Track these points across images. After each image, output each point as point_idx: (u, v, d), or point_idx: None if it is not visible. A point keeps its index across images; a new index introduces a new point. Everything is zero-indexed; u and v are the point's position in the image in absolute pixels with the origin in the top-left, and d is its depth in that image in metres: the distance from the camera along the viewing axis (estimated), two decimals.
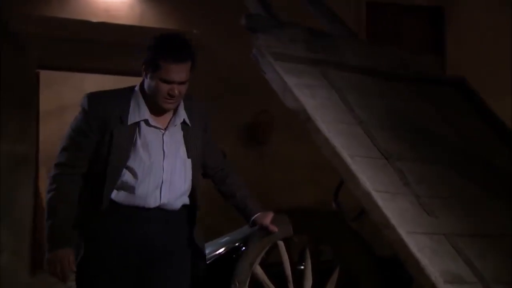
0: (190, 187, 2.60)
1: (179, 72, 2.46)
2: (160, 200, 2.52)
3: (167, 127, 2.55)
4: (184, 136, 2.57)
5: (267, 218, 2.77)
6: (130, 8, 5.49)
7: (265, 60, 3.31)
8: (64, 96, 6.51)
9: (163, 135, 2.52)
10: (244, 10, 3.49)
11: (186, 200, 2.60)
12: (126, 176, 2.48)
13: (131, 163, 2.48)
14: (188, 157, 2.56)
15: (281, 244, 3.03)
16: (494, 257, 2.99)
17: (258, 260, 2.97)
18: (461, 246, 2.96)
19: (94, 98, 2.54)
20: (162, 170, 2.51)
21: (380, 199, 2.94)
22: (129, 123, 2.50)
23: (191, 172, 2.57)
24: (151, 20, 5.48)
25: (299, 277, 3.07)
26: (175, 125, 2.56)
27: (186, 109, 2.60)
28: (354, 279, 3.09)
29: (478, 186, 3.37)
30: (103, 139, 2.50)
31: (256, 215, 2.77)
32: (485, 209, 3.27)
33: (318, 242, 3.15)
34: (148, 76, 2.50)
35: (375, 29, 5.56)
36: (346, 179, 3.00)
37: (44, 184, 3.93)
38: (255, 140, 5.45)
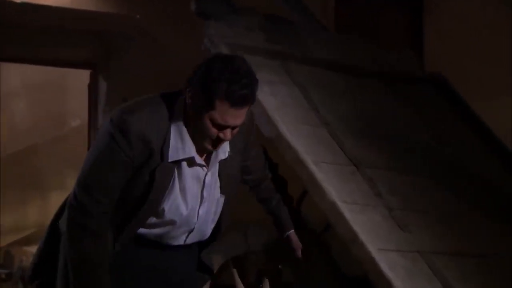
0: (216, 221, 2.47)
1: (237, 116, 2.21)
2: (184, 243, 2.41)
3: (210, 161, 2.32)
4: (220, 169, 2.36)
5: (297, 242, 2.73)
6: None
7: (218, 51, 3.35)
8: None
9: (205, 175, 2.32)
10: None
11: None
12: (154, 220, 2.34)
13: (165, 211, 2.30)
14: (221, 194, 2.39)
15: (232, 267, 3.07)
16: (476, 280, 3.09)
17: None
18: (438, 266, 3.05)
19: (135, 124, 2.21)
20: (197, 217, 2.35)
21: (348, 211, 3.02)
22: (170, 160, 2.26)
23: (221, 210, 2.43)
24: (84, 2, 5.47)
25: None
26: (218, 162, 2.35)
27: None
28: None
29: (458, 199, 3.48)
30: (138, 178, 2.26)
31: (289, 232, 2.72)
32: (467, 225, 3.38)
33: (277, 261, 3.21)
34: (195, 107, 2.22)
35: (345, 21, 5.64)
36: (310, 189, 3.07)
37: None
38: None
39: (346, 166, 3.28)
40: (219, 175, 2.37)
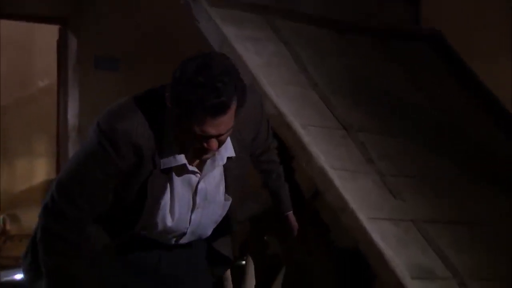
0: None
1: (218, 125, 2.14)
2: (175, 243, 2.38)
3: (204, 167, 2.28)
4: (225, 171, 2.32)
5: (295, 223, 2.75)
6: None
7: (198, 6, 3.34)
8: None
9: (198, 182, 2.29)
10: None
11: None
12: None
13: (152, 219, 2.28)
14: (228, 197, 2.35)
15: None
16: (470, 249, 3.15)
17: None
18: (432, 235, 3.10)
19: (124, 132, 2.18)
20: (188, 223, 2.33)
21: (338, 178, 3.05)
22: (162, 167, 2.24)
23: (226, 213, 2.39)
24: None
25: (240, 274, 3.16)
26: (217, 166, 2.30)
27: (233, 134, 2.27)
28: (306, 277, 3.20)
29: (453, 165, 3.52)
30: (128, 188, 2.24)
31: (288, 213, 2.73)
32: (462, 192, 3.42)
33: (262, 232, 3.24)
34: (173, 115, 2.18)
35: None
36: (297, 154, 3.09)
37: None
38: None
39: (336, 129, 3.31)
40: (226, 177, 2.33)
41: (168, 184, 2.26)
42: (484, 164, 3.60)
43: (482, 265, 3.11)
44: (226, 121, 2.15)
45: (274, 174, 2.58)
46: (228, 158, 2.31)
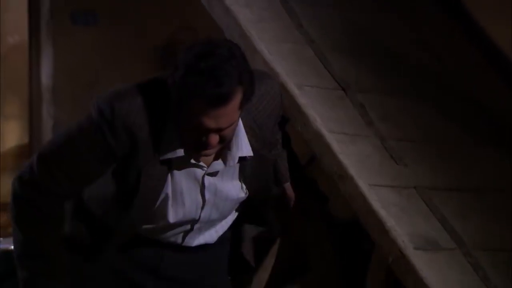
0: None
1: (219, 117, 2.12)
2: (182, 243, 2.37)
3: (212, 162, 2.26)
4: (241, 170, 2.31)
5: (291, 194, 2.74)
6: None
7: None
8: None
9: (203, 177, 2.27)
10: None
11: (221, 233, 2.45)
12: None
13: (151, 216, 2.29)
14: (245, 194, 2.34)
15: None
16: (477, 218, 3.17)
17: None
18: (436, 203, 3.11)
19: (123, 112, 2.17)
20: (198, 219, 2.32)
21: (335, 142, 3.06)
22: (161, 158, 2.22)
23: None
24: None
25: None
26: (228, 167, 2.27)
27: (252, 131, 2.26)
28: (302, 249, 3.22)
29: (459, 128, 3.53)
30: (123, 173, 2.22)
31: (285, 184, 2.72)
32: (468, 157, 3.43)
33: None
34: (175, 102, 2.17)
35: None
36: (292, 116, 3.09)
37: None
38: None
39: (334, 90, 3.31)
40: (243, 179, 2.31)
41: (169, 177, 2.24)
42: (492, 128, 3.61)
43: (489, 235, 3.14)
44: (227, 114, 2.11)
45: (274, 150, 2.51)
46: (242, 157, 2.27)
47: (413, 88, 3.59)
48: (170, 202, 2.27)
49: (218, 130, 2.13)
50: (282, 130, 2.68)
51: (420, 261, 2.84)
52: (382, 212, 2.93)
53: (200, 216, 2.32)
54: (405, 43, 3.80)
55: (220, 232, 2.42)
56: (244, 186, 2.34)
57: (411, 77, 3.64)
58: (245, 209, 2.43)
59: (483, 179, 3.37)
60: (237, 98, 2.12)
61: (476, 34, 4.02)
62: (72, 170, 2.23)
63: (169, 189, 2.26)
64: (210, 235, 2.40)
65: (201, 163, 2.26)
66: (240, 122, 2.24)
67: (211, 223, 2.37)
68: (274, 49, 3.24)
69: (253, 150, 2.28)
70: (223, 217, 2.38)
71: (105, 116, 2.19)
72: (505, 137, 3.59)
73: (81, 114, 5.23)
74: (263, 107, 2.29)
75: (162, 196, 2.26)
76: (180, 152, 2.22)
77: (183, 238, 2.37)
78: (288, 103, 3.09)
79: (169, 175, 2.25)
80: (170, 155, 2.22)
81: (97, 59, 5.15)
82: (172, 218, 2.29)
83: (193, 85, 2.09)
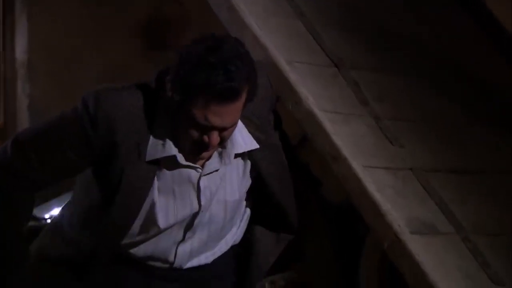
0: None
1: (224, 115, 2.12)
2: (174, 261, 2.33)
3: (205, 163, 2.24)
4: (254, 166, 2.28)
5: None
6: None
7: None
8: None
9: (199, 179, 2.25)
10: None
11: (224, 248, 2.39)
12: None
13: (138, 221, 2.24)
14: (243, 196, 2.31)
15: None
16: (476, 201, 3.22)
17: None
18: (433, 185, 3.15)
19: (108, 107, 2.18)
20: (189, 227, 2.28)
21: (328, 122, 3.09)
22: (147, 159, 2.21)
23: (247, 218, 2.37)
24: None
25: None
26: (224, 165, 2.25)
27: (250, 122, 2.26)
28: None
29: (456, 106, 3.56)
30: (106, 173, 2.22)
31: None
32: (467, 138, 3.48)
33: None
34: (173, 102, 2.16)
35: None
36: (282, 94, 3.11)
37: None
38: (158, 43, 5.44)
39: (326, 67, 3.33)
40: (259, 175, 2.28)
41: (156, 179, 2.22)
42: (493, 107, 3.64)
43: (488, 219, 3.19)
44: (233, 111, 2.12)
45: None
46: (249, 152, 2.25)
47: (411, 65, 3.62)
48: (158, 206, 2.26)
49: (222, 129, 2.14)
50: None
51: (417, 246, 2.89)
52: (377, 195, 2.96)
53: (194, 223, 2.29)
54: (402, 18, 3.81)
55: (218, 253, 2.37)
56: (247, 184, 2.31)
57: (408, 54, 3.66)
58: (260, 214, 2.39)
59: (483, 161, 3.41)
60: (244, 96, 2.12)
61: (476, 9, 4.03)
62: (46, 156, 2.24)
63: (155, 192, 2.24)
64: (206, 257, 2.36)
65: (194, 164, 2.23)
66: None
67: (206, 239, 2.33)
68: (263, 23, 3.26)
69: (259, 141, 2.28)
70: (221, 226, 2.33)
71: (88, 107, 2.20)
72: (506, 118, 3.61)
73: (58, 92, 5.23)
74: (260, 99, 2.26)
75: (148, 198, 2.24)
76: (169, 152, 2.21)
77: (175, 255, 2.33)
78: (278, 81, 3.11)
79: (156, 177, 2.23)
80: (158, 155, 2.21)
81: (75, 34, 5.14)
82: (162, 223, 2.27)
83: (202, 79, 2.08)
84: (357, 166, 3.00)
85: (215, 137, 2.14)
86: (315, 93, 3.15)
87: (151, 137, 2.20)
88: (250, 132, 2.27)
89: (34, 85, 5.25)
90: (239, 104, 2.12)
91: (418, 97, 3.50)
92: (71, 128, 2.22)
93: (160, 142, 2.21)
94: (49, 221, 3.21)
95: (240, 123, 2.24)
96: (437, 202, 3.09)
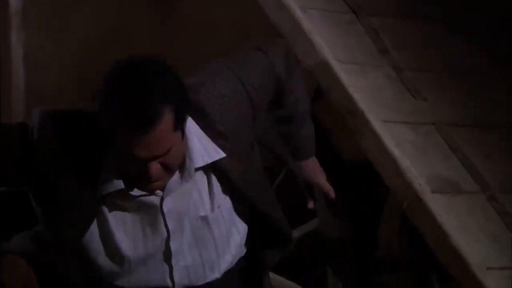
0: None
1: (148, 145, 2.08)
2: (174, 287, 2.34)
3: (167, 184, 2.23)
4: (222, 177, 2.28)
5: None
6: None
7: None
8: None
9: (161, 205, 2.25)
10: None
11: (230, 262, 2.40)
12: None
13: (99, 259, 2.27)
14: (217, 209, 2.31)
15: None
16: (502, 157, 3.21)
17: None
18: (457, 141, 3.16)
19: (49, 129, 2.22)
20: (170, 254, 2.29)
21: (344, 73, 3.09)
22: (100, 194, 2.22)
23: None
24: None
25: None
26: (189, 178, 2.24)
27: (211, 130, 2.25)
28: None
29: (486, 57, 3.55)
30: (48, 208, 2.25)
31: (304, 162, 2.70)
32: (494, 90, 3.46)
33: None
34: (106, 134, 2.16)
35: None
36: (295, 43, 3.11)
37: None
38: None
39: (342, 13, 3.32)
40: (231, 186, 2.29)
41: (101, 214, 2.23)
42: None
43: None
44: (159, 139, 2.07)
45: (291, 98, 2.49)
46: (214, 163, 2.25)
47: (434, 10, 3.60)
48: (117, 237, 2.25)
49: (154, 158, 2.10)
50: None
51: (438, 206, 2.89)
52: (396, 151, 2.97)
53: (171, 250, 2.28)
54: None
55: (224, 268, 2.38)
56: (222, 196, 2.31)
57: None
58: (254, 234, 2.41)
59: (511, 115, 3.41)
60: (167, 119, 2.08)
61: None
62: None
63: (109, 224, 2.24)
64: (212, 273, 2.37)
65: (144, 192, 2.22)
66: (191, 131, 2.22)
67: (200, 258, 2.34)
68: None
69: (224, 149, 2.26)
70: (213, 242, 2.34)
71: (32, 127, 2.21)
72: None
73: (55, 41, 5.25)
74: (225, 106, 2.26)
75: (87, 236, 2.24)
76: (119, 185, 2.20)
77: (173, 283, 2.33)
78: (289, 29, 3.11)
79: (104, 209, 2.23)
80: (109, 189, 2.20)
81: None
82: (131, 253, 2.27)
83: (114, 114, 2.07)
84: (375, 120, 3.00)
85: (153, 168, 2.11)
86: (330, 42, 3.15)
87: (99, 172, 2.20)
88: (213, 141, 2.25)
89: (30, 34, 5.26)
90: (162, 129, 2.08)
91: (443, 46, 3.50)
92: (14, 141, 2.24)
93: (109, 176, 2.20)
94: None
95: (200, 133, 2.23)
96: (460, 159, 3.10)
